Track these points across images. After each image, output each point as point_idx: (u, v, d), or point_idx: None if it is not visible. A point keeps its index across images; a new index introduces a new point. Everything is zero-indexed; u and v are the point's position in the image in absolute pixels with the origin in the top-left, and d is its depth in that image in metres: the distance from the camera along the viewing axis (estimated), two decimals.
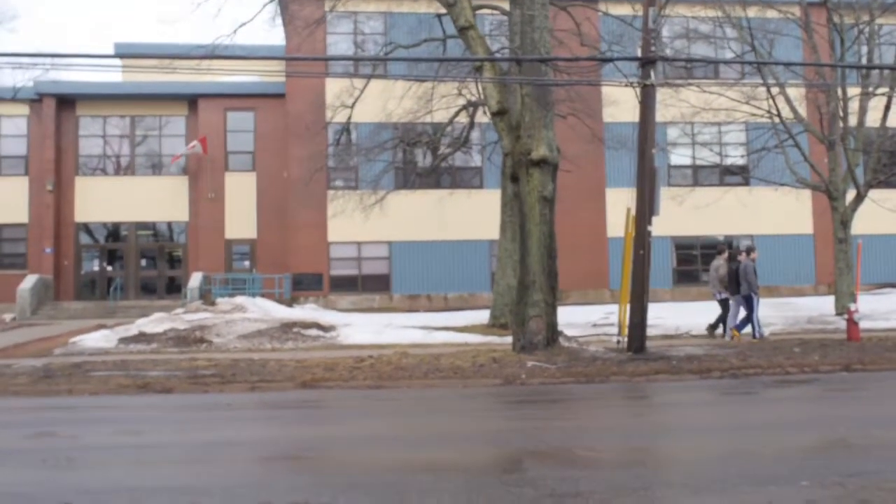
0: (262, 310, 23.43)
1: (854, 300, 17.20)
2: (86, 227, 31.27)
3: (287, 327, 19.12)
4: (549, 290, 14.17)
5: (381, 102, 23.24)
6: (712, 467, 6.74)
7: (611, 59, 14.66)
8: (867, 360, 13.35)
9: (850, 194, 21.42)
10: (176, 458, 7.30)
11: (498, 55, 18.81)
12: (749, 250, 17.31)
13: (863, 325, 18.60)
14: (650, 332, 19.25)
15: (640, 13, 14.66)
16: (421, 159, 26.80)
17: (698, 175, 30.27)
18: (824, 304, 23.13)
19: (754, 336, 16.58)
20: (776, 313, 21.62)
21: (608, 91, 25.98)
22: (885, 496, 5.67)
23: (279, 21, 23.37)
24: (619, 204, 29.48)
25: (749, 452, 7.30)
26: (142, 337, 18.24)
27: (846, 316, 16.32)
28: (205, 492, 6.01)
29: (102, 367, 13.83)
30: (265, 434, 8.59)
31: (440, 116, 23.57)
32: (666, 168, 29.45)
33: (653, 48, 13.90)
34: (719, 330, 17.66)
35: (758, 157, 24.07)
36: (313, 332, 19.00)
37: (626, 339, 14.70)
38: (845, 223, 20.80)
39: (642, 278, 13.86)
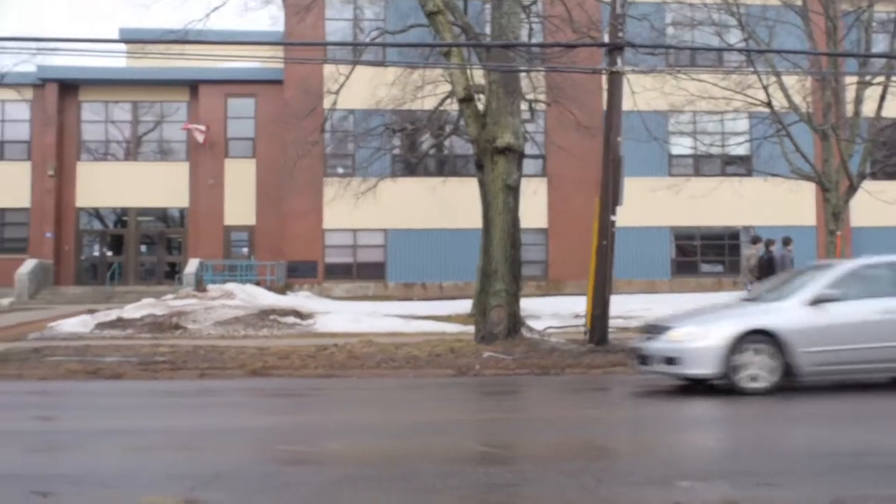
0: (251, 296, 23.41)
1: None
2: (87, 212, 31.46)
3: (264, 314, 19.05)
4: (512, 280, 13.96)
5: (372, 89, 23.01)
6: (599, 463, 6.56)
7: (576, 45, 14.37)
8: None
9: (845, 185, 20.90)
10: (61, 444, 7.23)
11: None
12: (786, 241, 17.22)
13: None
14: (630, 323, 19.07)
15: None
16: (417, 147, 26.57)
17: (699, 165, 29.80)
18: None
19: None
20: None
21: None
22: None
23: (251, 4, 23.20)
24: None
25: (629, 451, 7.10)
26: (118, 322, 18.25)
27: None
28: (64, 479, 5.94)
29: (62, 353, 13.83)
30: (176, 423, 8.49)
31: (431, 103, 23.33)
32: (667, 158, 29.04)
33: (620, 34, 13.58)
34: None
35: (756, 146, 23.61)
36: (290, 319, 18.92)
37: None
38: (837, 215, 20.30)
39: (605, 269, 13.57)
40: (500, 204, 13.94)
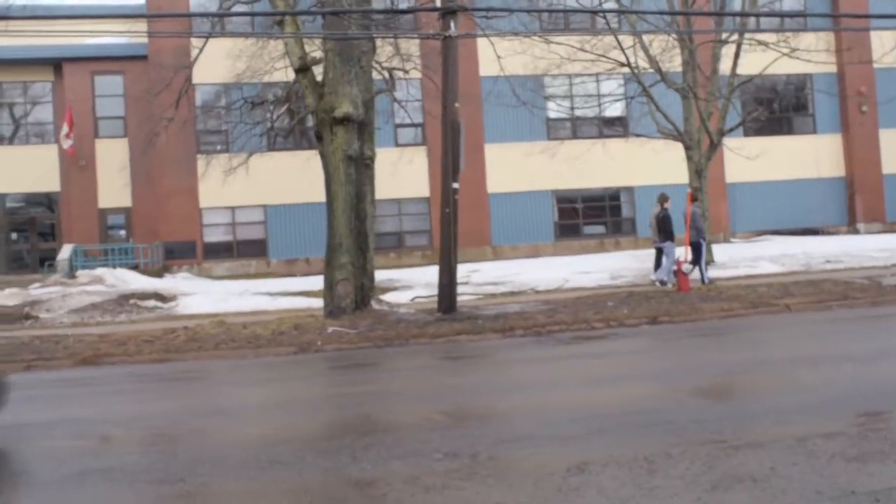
0: (122, 281, 22.72)
1: (683, 250, 17.07)
2: None
3: (124, 299, 18.47)
4: (358, 252, 13.76)
5: (232, 61, 22.26)
6: (343, 438, 6.37)
7: (407, 11, 14.10)
8: (675, 312, 13.22)
9: (706, 143, 21.28)
10: None
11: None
12: (694, 197, 17.99)
13: (710, 273, 18.67)
14: (499, 289, 19.19)
15: None
16: (289, 119, 25.93)
17: (577, 127, 29.98)
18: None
19: (703, 280, 16.80)
20: (637, 265, 21.54)
21: (482, 44, 25.37)
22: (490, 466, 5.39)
23: None
24: (500, 160, 29.27)
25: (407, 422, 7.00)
26: None
27: (674, 267, 16.26)
28: None
29: None
30: None
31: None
32: (545, 122, 29.14)
33: None
34: (653, 276, 17.80)
35: (628, 106, 23.84)
36: (151, 303, 18.39)
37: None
38: (699, 172, 20.68)
39: (449, 237, 13.48)
40: (342, 175, 13.68)
